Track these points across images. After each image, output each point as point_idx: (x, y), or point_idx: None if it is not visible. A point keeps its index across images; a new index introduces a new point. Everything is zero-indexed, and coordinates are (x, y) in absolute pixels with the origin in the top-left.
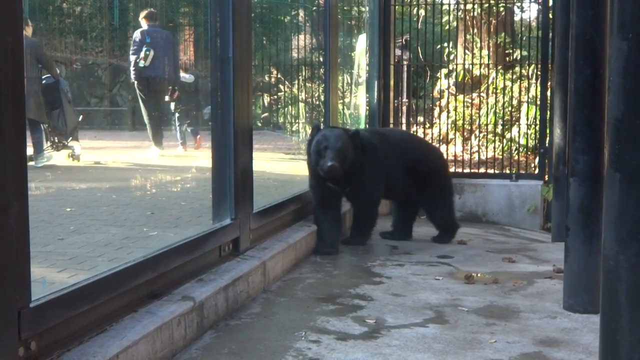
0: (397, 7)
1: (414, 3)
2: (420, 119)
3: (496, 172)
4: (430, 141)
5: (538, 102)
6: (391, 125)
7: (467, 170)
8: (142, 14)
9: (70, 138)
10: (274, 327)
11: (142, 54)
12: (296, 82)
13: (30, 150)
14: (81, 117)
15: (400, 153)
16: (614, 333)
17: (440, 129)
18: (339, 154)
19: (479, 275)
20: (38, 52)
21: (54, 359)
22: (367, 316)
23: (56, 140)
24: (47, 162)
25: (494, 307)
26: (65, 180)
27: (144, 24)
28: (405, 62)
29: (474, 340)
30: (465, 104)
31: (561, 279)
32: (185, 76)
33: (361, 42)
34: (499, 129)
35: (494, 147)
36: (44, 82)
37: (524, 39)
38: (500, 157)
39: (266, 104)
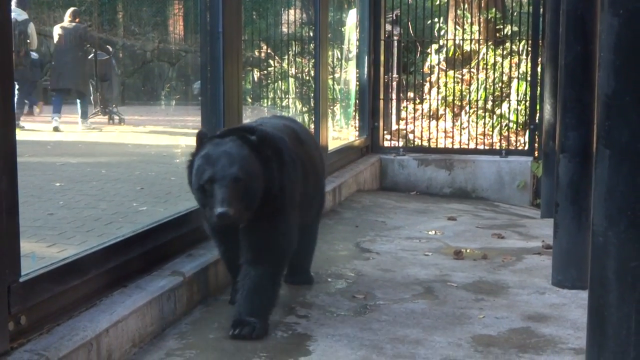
0: None
1: None
2: (411, 94)
3: (486, 148)
4: (420, 117)
5: (528, 78)
6: (381, 102)
7: (456, 146)
8: None
9: (114, 105)
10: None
11: None
12: (286, 57)
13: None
14: (121, 87)
15: (305, 155)
16: (602, 308)
17: (430, 105)
18: (236, 188)
19: (468, 251)
20: (87, 35)
21: (43, 333)
22: (356, 291)
23: (103, 107)
24: (87, 129)
25: (483, 282)
26: (54, 155)
27: None
28: (395, 38)
29: (463, 315)
30: (455, 79)
31: (550, 255)
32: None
33: (351, 17)
34: (489, 105)
35: (484, 123)
36: (99, 58)
37: (515, 14)
38: (490, 133)
39: (256, 79)
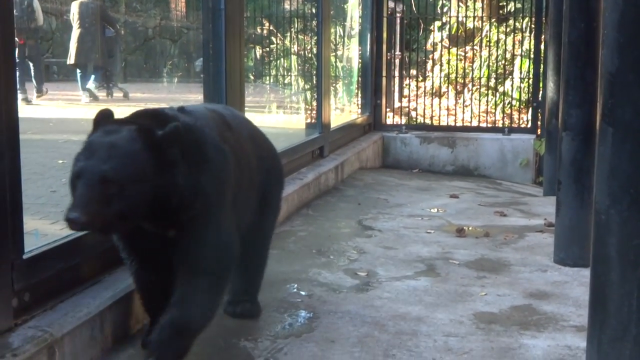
0: None
1: None
2: (413, 72)
3: (489, 125)
4: (423, 95)
5: (532, 56)
6: (383, 79)
7: (459, 124)
8: None
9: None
10: (266, 279)
11: None
12: (288, 34)
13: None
14: (123, 63)
15: (250, 150)
16: (604, 286)
17: (433, 82)
18: (102, 190)
19: (470, 228)
20: (103, 12)
21: (47, 310)
22: (358, 269)
23: (107, 83)
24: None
25: (485, 260)
26: (57, 132)
27: None
28: (398, 15)
29: (465, 292)
30: (458, 57)
31: (552, 232)
32: None
33: None
34: (492, 83)
35: (487, 101)
36: (107, 35)
37: None
38: (493, 110)
39: (258, 56)
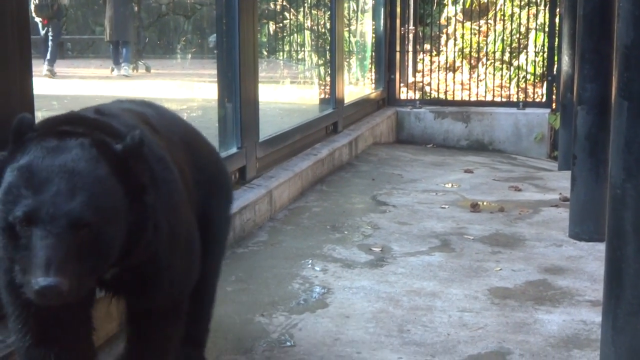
0: None
1: None
2: (427, 46)
3: (503, 100)
4: (437, 69)
5: (546, 29)
6: (397, 54)
7: (473, 99)
8: None
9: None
10: (280, 255)
11: None
12: (302, 9)
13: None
14: (147, 39)
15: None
16: (619, 261)
17: (447, 57)
18: (76, 241)
19: (485, 203)
20: None
21: None
22: (373, 244)
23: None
24: (126, 73)
25: (500, 235)
26: (71, 109)
27: None
28: None
29: (480, 268)
30: (472, 31)
31: (567, 207)
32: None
33: None
34: (506, 57)
35: (501, 75)
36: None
37: None
38: (508, 85)
39: (271, 31)
